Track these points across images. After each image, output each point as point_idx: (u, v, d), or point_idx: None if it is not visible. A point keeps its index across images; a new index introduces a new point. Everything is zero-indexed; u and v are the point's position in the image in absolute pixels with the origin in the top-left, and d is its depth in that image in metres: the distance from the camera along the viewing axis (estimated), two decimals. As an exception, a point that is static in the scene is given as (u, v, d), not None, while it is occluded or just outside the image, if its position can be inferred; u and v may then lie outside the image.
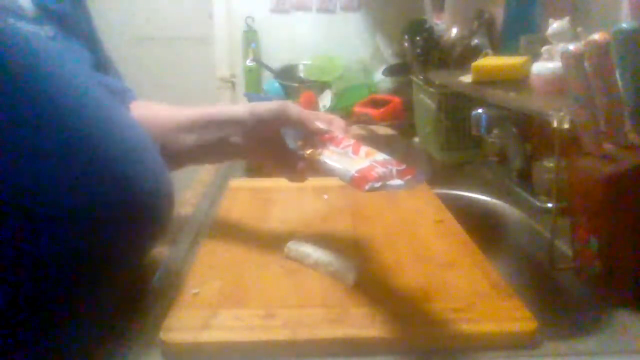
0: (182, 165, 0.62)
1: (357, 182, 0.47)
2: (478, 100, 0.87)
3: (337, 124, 0.56)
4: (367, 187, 0.45)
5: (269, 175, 0.61)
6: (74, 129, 0.37)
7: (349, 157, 0.51)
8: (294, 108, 0.55)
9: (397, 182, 0.46)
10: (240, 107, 0.59)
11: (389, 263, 0.56)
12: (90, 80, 0.44)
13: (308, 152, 0.55)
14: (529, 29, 0.91)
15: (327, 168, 0.52)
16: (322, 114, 0.57)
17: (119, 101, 0.46)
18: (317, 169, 0.54)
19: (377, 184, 0.45)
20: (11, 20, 0.39)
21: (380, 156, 0.50)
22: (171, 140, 0.59)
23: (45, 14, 0.44)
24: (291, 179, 0.60)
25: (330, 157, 0.52)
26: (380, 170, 0.47)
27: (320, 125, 0.55)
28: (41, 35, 0.42)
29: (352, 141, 0.53)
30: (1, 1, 0.40)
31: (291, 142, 0.57)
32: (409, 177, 0.46)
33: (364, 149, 0.51)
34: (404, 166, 0.48)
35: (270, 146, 0.58)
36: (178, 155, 0.59)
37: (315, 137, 0.55)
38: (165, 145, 0.56)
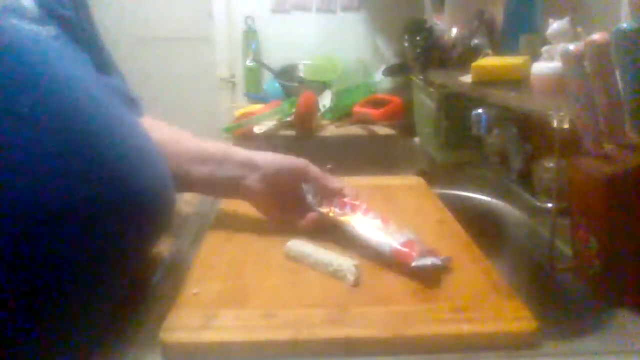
0: (186, 191, 0.62)
1: (399, 255, 0.51)
2: (478, 100, 0.87)
3: (350, 189, 0.61)
4: (414, 263, 0.50)
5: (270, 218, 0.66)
6: (75, 127, 0.37)
7: (381, 229, 0.56)
8: (314, 167, 0.62)
9: (436, 259, 0.50)
10: (261, 152, 0.62)
11: (389, 263, 0.56)
12: (90, 79, 0.44)
13: (331, 213, 0.60)
14: (529, 29, 0.91)
15: (357, 233, 0.57)
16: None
17: (121, 102, 0.47)
18: (338, 228, 0.59)
19: (426, 262, 0.49)
20: (14, 20, 0.39)
21: (411, 234, 0.54)
22: (182, 167, 0.59)
23: (48, 14, 0.44)
24: (294, 229, 0.62)
25: (358, 224, 0.57)
26: (420, 247, 0.51)
27: (338, 183, 0.61)
28: (43, 34, 0.42)
29: (378, 215, 0.58)
30: (4, 1, 0.40)
31: (309, 198, 0.62)
32: (439, 257, 0.51)
33: (392, 223, 0.56)
34: (430, 247, 0.52)
35: (283, 196, 0.62)
36: (185, 183, 0.59)
37: (333, 197, 0.61)
38: (175, 171, 0.56)
